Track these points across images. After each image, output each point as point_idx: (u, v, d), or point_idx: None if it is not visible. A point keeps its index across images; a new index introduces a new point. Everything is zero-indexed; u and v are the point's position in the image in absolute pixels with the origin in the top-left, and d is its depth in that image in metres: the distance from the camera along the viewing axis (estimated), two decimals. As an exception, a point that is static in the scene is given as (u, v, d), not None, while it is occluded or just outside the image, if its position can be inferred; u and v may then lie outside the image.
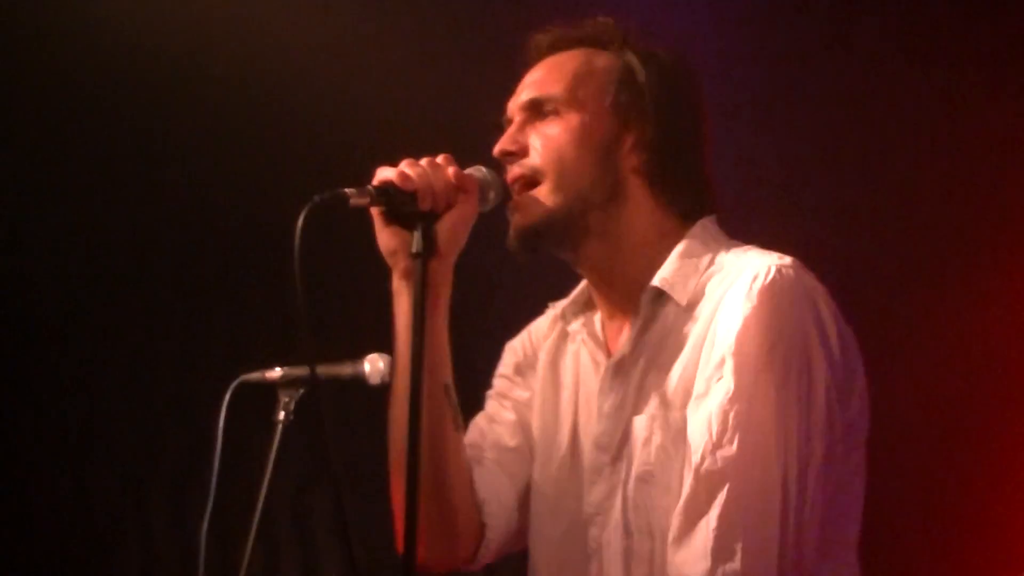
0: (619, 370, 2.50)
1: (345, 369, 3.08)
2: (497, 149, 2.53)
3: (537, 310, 2.73)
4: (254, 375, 3.09)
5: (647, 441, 2.41)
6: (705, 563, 2.26)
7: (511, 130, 2.54)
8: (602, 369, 2.54)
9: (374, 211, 2.44)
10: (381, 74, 4.58)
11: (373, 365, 3.05)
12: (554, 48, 2.58)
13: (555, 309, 2.67)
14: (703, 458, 2.30)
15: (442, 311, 2.48)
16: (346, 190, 2.34)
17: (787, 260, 2.40)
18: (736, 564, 2.25)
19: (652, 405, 2.42)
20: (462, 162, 2.48)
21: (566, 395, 2.62)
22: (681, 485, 2.33)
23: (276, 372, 3.06)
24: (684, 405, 2.37)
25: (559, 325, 2.65)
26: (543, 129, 2.50)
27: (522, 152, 2.51)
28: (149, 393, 4.93)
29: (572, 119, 2.49)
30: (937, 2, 4.34)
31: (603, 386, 2.52)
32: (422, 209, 2.39)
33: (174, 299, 4.96)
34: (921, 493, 4.18)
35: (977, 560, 3.08)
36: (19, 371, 4.97)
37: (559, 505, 2.56)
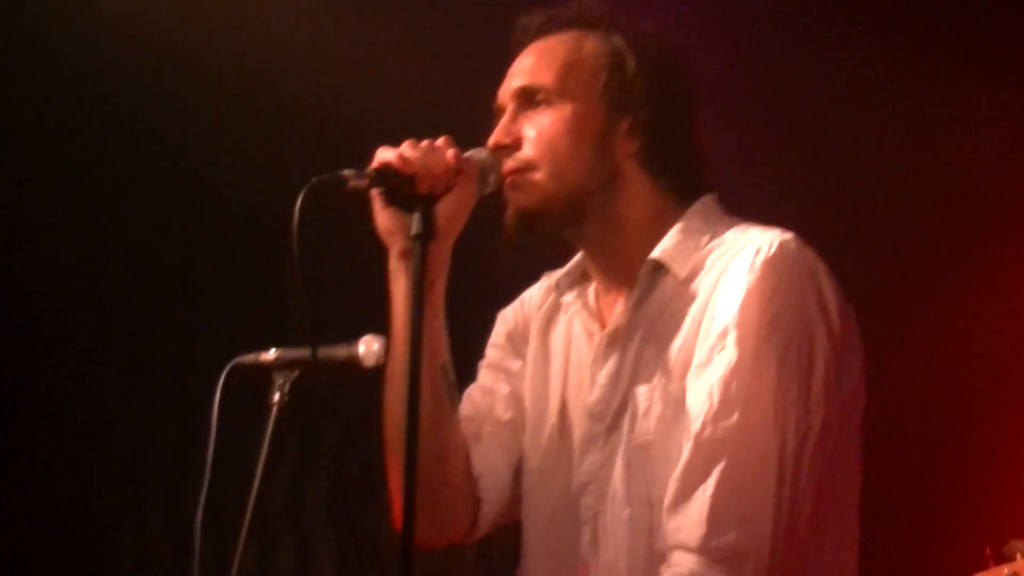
0: (614, 340, 2.51)
1: (340, 351, 3.06)
2: (491, 142, 2.53)
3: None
4: (248, 357, 3.08)
5: (647, 412, 2.42)
6: (700, 530, 2.28)
7: (504, 121, 2.54)
8: (596, 339, 2.54)
9: (373, 193, 2.44)
10: (378, 63, 4.58)
11: (368, 347, 3.04)
12: (542, 31, 2.58)
13: (549, 279, 2.67)
14: (703, 426, 2.32)
15: (439, 292, 2.50)
16: (345, 172, 2.34)
17: (789, 235, 2.42)
18: (731, 533, 2.27)
19: (651, 376, 2.44)
20: (463, 147, 2.48)
21: (556, 365, 2.62)
22: (680, 455, 2.34)
23: (271, 354, 3.06)
24: (683, 376, 2.38)
25: (552, 295, 2.65)
26: (536, 120, 2.51)
27: (516, 144, 2.51)
28: (144, 381, 4.94)
29: (564, 109, 2.50)
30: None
31: (597, 356, 2.53)
32: (420, 192, 2.39)
33: (168, 292, 4.95)
34: (917, 481, 4.19)
35: (974, 545, 3.11)
36: (12, 360, 4.97)
37: (550, 474, 2.57)
